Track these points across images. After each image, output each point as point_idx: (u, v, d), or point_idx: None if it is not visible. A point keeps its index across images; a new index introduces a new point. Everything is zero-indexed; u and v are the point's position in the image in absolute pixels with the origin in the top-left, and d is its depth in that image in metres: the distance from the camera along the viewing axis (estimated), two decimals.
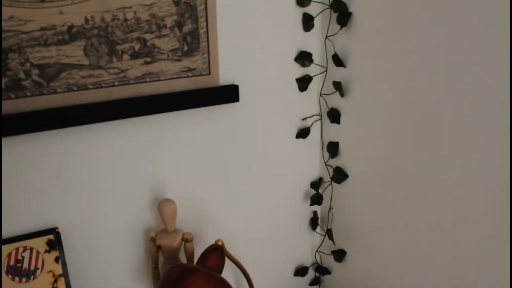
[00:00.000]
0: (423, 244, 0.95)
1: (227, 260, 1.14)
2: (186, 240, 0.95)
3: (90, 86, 0.88)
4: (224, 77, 1.01)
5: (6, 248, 0.88)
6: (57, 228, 0.92)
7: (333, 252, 1.21)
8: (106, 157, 0.93)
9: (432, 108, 0.86)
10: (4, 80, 0.81)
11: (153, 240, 0.96)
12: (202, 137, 1.02)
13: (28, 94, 0.83)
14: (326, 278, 1.29)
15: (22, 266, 0.90)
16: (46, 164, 0.89)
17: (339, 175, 1.14)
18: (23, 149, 0.86)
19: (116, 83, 0.90)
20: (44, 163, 0.89)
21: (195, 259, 1.09)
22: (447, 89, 0.83)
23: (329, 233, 1.20)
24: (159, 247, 0.95)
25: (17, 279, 0.89)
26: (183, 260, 1.07)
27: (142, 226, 1.01)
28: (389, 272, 1.06)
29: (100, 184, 0.94)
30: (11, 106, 0.82)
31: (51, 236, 0.91)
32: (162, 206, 0.93)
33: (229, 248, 1.14)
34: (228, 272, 1.16)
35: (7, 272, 0.89)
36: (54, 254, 0.92)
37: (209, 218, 1.09)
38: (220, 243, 0.94)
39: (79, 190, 0.93)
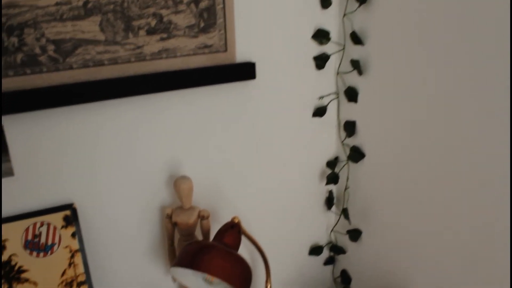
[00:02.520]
0: (440, 224, 0.94)
1: (242, 238, 1.14)
2: (203, 217, 0.95)
3: (106, 62, 0.87)
4: (241, 55, 0.99)
5: (23, 223, 0.89)
6: (73, 204, 0.93)
7: (349, 232, 1.20)
8: (123, 134, 0.93)
9: (452, 86, 0.84)
10: (19, 55, 0.80)
11: (169, 217, 0.96)
12: (218, 114, 1.01)
13: (44, 69, 0.83)
14: (340, 257, 1.28)
15: (39, 241, 0.91)
16: (63, 141, 0.89)
17: (356, 154, 1.13)
18: (40, 125, 0.86)
19: (132, 59, 0.89)
20: (61, 139, 0.89)
21: (211, 237, 1.09)
22: (467, 68, 0.81)
23: (344, 213, 1.19)
24: (175, 224, 0.95)
25: (35, 253, 0.90)
26: (199, 237, 1.07)
27: (158, 203, 1.01)
28: (404, 253, 1.05)
29: (116, 161, 0.94)
30: (27, 82, 0.82)
31: (68, 212, 0.92)
32: (179, 183, 0.93)
33: (244, 226, 1.14)
34: (243, 251, 1.17)
35: (25, 247, 0.90)
36: (71, 229, 0.92)
37: (225, 196, 1.09)
38: (236, 221, 0.94)
39: (95, 167, 0.93)
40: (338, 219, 1.24)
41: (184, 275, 0.93)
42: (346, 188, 1.20)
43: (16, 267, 0.89)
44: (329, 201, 1.23)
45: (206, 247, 0.85)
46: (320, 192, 1.23)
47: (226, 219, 1.11)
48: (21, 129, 0.85)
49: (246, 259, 0.87)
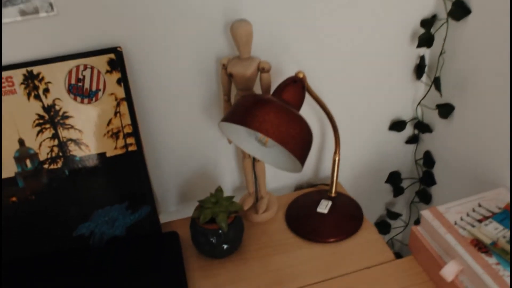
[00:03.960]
0: None
1: (308, 100, 0.99)
2: (263, 69, 0.80)
3: None
4: None
5: (65, 65, 0.81)
6: (119, 47, 0.82)
7: (438, 107, 1.01)
8: None
9: None
10: None
11: (224, 67, 0.82)
12: None
13: None
14: (425, 136, 1.10)
15: (83, 85, 0.82)
16: None
17: (459, 10, 0.89)
18: None
19: None
20: None
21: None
22: None
23: (436, 83, 0.99)
24: (230, 76, 0.81)
25: (79, 99, 0.82)
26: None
27: (214, 53, 0.88)
28: (503, 138, 0.85)
29: (169, 2, 0.80)
30: None
31: (112, 55, 0.81)
32: (236, 27, 0.78)
33: (312, 87, 0.99)
34: (311, 118, 1.02)
35: (69, 91, 0.82)
36: (116, 75, 0.82)
37: (291, 49, 0.92)
38: (301, 75, 0.78)
39: (145, 6, 0.80)
40: (428, 91, 1.04)
41: (235, 133, 0.82)
42: (441, 53, 0.98)
43: (61, 112, 0.83)
44: (419, 69, 1.03)
45: (261, 101, 0.71)
46: (410, 57, 1.01)
47: (290, 75, 0.95)
48: None
49: (306, 121, 0.73)
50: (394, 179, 1.18)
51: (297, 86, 0.76)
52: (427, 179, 1.11)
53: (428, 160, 1.10)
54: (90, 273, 0.86)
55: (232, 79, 0.82)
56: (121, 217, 0.91)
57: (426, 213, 0.81)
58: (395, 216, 1.21)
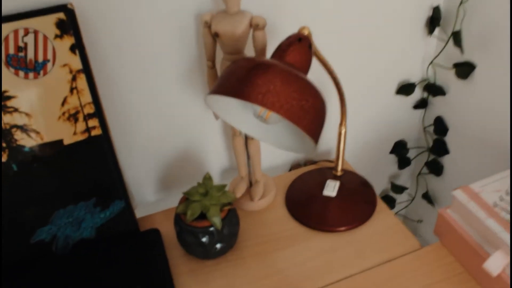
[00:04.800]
0: None
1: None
2: (256, 26, 0.63)
3: None
4: None
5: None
6: (69, 3, 0.63)
7: (457, 66, 0.87)
8: None
9: None
10: None
11: (207, 25, 0.65)
12: None
13: None
14: (436, 100, 0.97)
15: (26, 56, 0.64)
16: None
17: None
18: None
19: None
20: None
21: (268, 55, 0.78)
22: None
23: (456, 38, 0.84)
24: (216, 36, 0.64)
25: (22, 73, 0.64)
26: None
27: (193, 8, 0.70)
28: None
29: None
30: None
31: (62, 15, 0.63)
32: None
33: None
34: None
35: (7, 64, 0.63)
36: (69, 40, 0.64)
37: (287, 2, 0.75)
38: (306, 32, 0.62)
39: None
40: (443, 47, 0.89)
41: (225, 108, 0.66)
42: (461, 2, 0.83)
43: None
44: (432, 22, 0.88)
45: (261, 67, 0.55)
46: (420, 8, 0.86)
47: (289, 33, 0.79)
48: None
49: (319, 89, 0.58)
50: (399, 149, 1.04)
51: (302, 46, 0.60)
52: (439, 148, 0.98)
53: (440, 126, 0.97)
54: (53, 285, 0.71)
55: (218, 40, 0.65)
56: (89, 216, 0.75)
57: (458, 194, 0.68)
58: (400, 189, 1.09)
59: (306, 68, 0.61)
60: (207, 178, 0.71)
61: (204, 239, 0.68)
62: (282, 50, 0.60)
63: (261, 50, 0.66)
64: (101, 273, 0.72)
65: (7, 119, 0.65)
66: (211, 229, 0.68)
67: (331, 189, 0.81)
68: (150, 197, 0.89)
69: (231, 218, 0.71)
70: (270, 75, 0.54)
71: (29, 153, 0.68)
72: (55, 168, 0.70)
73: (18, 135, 0.67)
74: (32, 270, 0.73)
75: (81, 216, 0.74)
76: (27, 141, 0.67)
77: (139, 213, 0.86)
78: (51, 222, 0.73)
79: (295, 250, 0.74)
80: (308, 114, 0.54)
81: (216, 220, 0.67)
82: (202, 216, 0.69)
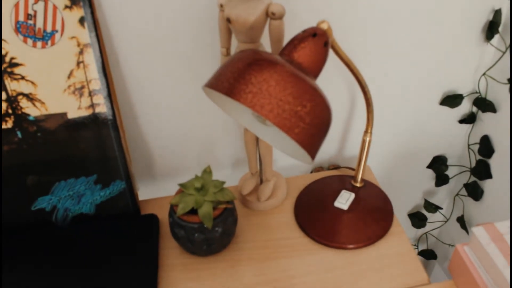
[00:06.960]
0: None
1: (333, 59, 0.77)
2: (273, 14, 0.57)
3: None
4: None
5: None
6: None
7: None
8: None
9: None
10: None
11: (222, 10, 0.60)
12: None
13: None
14: (486, 117, 0.86)
15: (35, 24, 0.62)
16: None
17: None
18: None
19: None
20: None
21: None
22: None
23: None
24: (228, 21, 0.59)
25: (30, 41, 0.63)
26: (267, 47, 0.73)
27: None
28: None
29: None
30: None
31: None
32: None
33: (339, 44, 0.76)
34: (337, 78, 0.79)
35: (17, 30, 0.62)
36: (78, 12, 0.62)
37: None
38: (325, 27, 0.55)
39: None
40: (499, 58, 0.79)
41: (225, 103, 0.61)
42: None
43: (8, 58, 0.63)
44: (492, 27, 0.77)
45: (259, 63, 0.49)
46: (479, 10, 0.76)
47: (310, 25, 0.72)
48: None
49: (323, 94, 0.51)
50: (438, 164, 0.95)
51: (317, 42, 0.54)
52: (481, 171, 0.88)
53: (486, 147, 0.86)
54: (49, 252, 0.71)
55: (231, 26, 0.60)
56: (89, 192, 0.73)
57: (479, 231, 0.59)
58: (434, 208, 0.99)
59: (316, 68, 0.54)
60: (207, 171, 0.67)
61: (193, 236, 0.65)
62: (292, 45, 0.54)
63: (276, 42, 0.60)
64: (94, 247, 0.71)
65: (14, 86, 0.65)
66: (202, 227, 0.65)
67: (343, 201, 0.74)
68: (156, 180, 0.86)
69: (227, 217, 0.67)
70: (266, 73, 0.48)
71: (33, 122, 0.67)
72: (58, 140, 0.69)
73: (24, 103, 0.66)
74: (31, 236, 0.73)
75: (82, 191, 0.73)
76: (32, 110, 0.66)
77: (142, 194, 0.84)
78: (51, 193, 0.72)
79: (292, 262, 0.69)
80: (302, 121, 0.48)
81: (207, 220, 0.63)
82: (195, 211, 0.65)
